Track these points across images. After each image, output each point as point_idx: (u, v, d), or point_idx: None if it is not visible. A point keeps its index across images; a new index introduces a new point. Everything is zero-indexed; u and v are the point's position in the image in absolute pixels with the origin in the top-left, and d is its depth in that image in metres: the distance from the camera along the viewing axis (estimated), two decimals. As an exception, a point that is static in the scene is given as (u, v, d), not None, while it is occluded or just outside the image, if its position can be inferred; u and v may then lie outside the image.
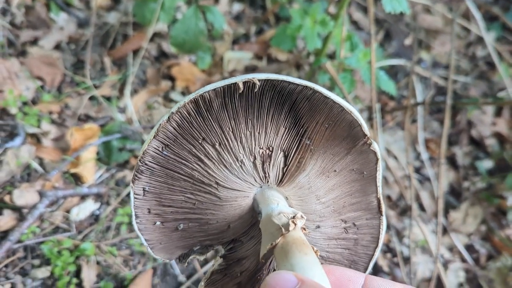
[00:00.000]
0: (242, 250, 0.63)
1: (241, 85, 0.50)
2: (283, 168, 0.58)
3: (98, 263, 1.26)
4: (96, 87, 1.58)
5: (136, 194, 0.56)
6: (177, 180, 0.56)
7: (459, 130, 2.00)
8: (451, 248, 1.64)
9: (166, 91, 1.66)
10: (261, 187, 0.59)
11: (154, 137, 0.52)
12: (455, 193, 1.82)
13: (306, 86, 0.52)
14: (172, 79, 1.69)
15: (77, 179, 1.39)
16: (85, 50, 1.66)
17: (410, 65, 1.99)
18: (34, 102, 1.49)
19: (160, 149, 0.54)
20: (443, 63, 2.19)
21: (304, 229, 0.54)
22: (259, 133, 0.55)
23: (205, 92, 0.50)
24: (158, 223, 0.57)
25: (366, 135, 0.57)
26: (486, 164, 1.91)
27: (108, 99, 1.57)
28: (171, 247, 0.60)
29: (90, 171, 1.40)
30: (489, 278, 1.55)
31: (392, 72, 2.05)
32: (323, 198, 0.61)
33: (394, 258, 1.52)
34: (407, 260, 1.52)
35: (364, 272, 0.68)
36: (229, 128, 0.54)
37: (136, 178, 0.55)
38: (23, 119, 1.41)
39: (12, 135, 1.40)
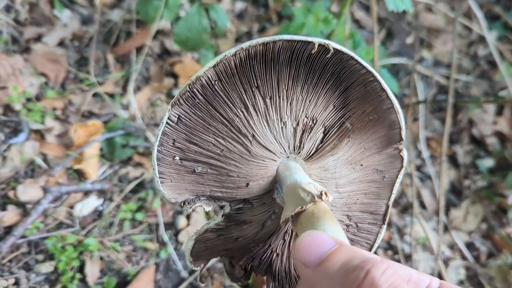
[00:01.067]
0: (248, 214, 0.61)
1: (316, 46, 0.49)
2: (318, 145, 0.57)
3: (101, 258, 1.27)
4: (99, 84, 1.59)
5: (170, 120, 0.52)
6: (215, 121, 0.53)
7: (460, 129, 2.00)
8: (452, 246, 1.65)
9: (169, 88, 1.66)
10: (288, 157, 0.58)
11: (213, 66, 0.49)
12: (456, 191, 1.82)
13: (370, 72, 0.52)
14: (175, 76, 1.69)
15: (80, 175, 1.40)
16: (88, 47, 1.66)
17: (411, 63, 1.99)
18: (38, 98, 1.50)
19: (213, 82, 0.51)
20: (444, 62, 2.20)
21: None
22: (309, 101, 0.54)
23: (279, 40, 0.48)
24: (177, 158, 0.54)
25: (401, 140, 0.57)
26: (487, 162, 1.92)
27: (111, 96, 1.58)
28: (181, 188, 0.57)
29: (94, 167, 1.41)
30: (490, 275, 1.56)
31: (394, 70, 2.06)
32: (341, 188, 0.61)
33: (395, 255, 1.53)
34: (408, 257, 1.53)
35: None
36: (285, 86, 0.52)
37: (177, 103, 0.51)
38: (27, 115, 1.42)
39: (16, 131, 1.40)
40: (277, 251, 0.63)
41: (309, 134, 0.56)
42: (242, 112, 0.53)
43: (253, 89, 0.52)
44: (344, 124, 0.56)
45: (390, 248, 1.56)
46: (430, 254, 1.57)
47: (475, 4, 1.76)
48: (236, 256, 0.62)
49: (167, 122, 0.52)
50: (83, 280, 1.22)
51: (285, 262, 0.63)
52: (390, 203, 0.62)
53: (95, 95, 1.57)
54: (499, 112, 2.07)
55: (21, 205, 1.27)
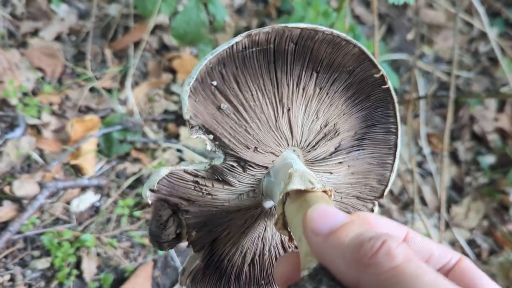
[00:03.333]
0: (235, 176, 0.57)
1: (378, 75, 0.55)
2: (326, 156, 0.59)
3: (98, 254, 1.25)
4: (97, 78, 1.57)
5: (237, 45, 0.48)
6: (267, 74, 0.52)
7: (461, 125, 1.99)
8: (453, 243, 1.64)
9: (167, 83, 1.65)
10: (294, 150, 0.57)
11: (302, 29, 0.49)
12: (457, 188, 1.81)
13: (396, 123, 0.60)
14: (173, 72, 1.68)
15: (77, 171, 1.38)
16: (85, 41, 1.65)
17: (412, 59, 1.98)
18: (34, 93, 1.48)
19: (291, 40, 0.50)
20: (445, 58, 2.18)
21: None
22: (344, 115, 0.56)
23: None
24: (214, 83, 0.49)
25: (381, 197, 0.63)
26: (488, 159, 1.90)
27: (109, 91, 1.56)
28: (199, 112, 0.52)
29: (91, 163, 1.40)
30: (491, 272, 1.55)
31: (394, 66, 2.04)
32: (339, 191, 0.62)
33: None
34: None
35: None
36: (337, 88, 0.54)
37: (258, 35, 0.48)
38: (24, 110, 1.40)
39: (12, 126, 1.39)
40: (229, 230, 0.59)
41: (327, 141, 0.57)
42: (293, 85, 0.52)
43: (313, 72, 0.52)
44: (352, 153, 0.59)
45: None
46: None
47: (477, -1, 1.74)
48: (189, 212, 0.56)
49: (233, 45, 0.47)
50: (79, 276, 1.20)
51: (228, 246, 0.60)
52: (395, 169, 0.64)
53: (92, 90, 1.55)
54: (501, 108, 2.06)
55: (17, 200, 1.26)
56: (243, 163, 0.54)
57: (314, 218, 0.38)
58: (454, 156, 1.89)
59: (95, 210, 1.34)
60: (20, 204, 1.26)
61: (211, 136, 0.52)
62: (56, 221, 1.28)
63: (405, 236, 0.44)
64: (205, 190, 0.54)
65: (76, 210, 1.31)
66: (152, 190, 0.51)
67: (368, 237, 0.33)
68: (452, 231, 1.65)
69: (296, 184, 0.47)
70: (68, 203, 1.31)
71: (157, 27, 1.74)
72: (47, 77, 1.53)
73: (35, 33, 1.60)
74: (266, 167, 0.56)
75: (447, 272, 0.43)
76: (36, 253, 1.21)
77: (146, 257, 1.29)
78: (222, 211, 0.57)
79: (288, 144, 0.56)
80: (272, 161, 0.56)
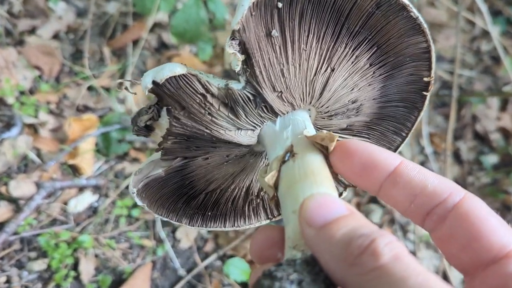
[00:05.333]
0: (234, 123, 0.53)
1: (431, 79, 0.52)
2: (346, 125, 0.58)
3: (96, 256, 1.23)
4: (95, 77, 1.55)
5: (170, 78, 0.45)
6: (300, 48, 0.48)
7: (463, 125, 1.97)
8: (456, 244, 1.62)
9: (167, 82, 1.63)
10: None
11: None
12: (460, 188, 1.79)
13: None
14: (172, 70, 1.66)
15: (75, 171, 1.36)
16: (83, 40, 1.63)
17: (414, 58, 1.96)
18: (31, 92, 1.46)
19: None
20: (447, 57, 2.16)
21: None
22: (370, 84, 0.53)
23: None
24: (280, 4, 0.45)
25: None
26: (491, 159, 1.88)
27: (107, 89, 1.54)
28: (247, 31, 0.47)
29: (89, 163, 1.37)
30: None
31: (396, 65, 2.02)
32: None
33: (398, 253, 1.50)
34: (412, 255, 1.49)
35: None
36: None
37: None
38: (20, 109, 1.38)
39: (9, 125, 1.37)
40: (209, 156, 0.56)
41: (345, 117, 0.55)
42: (350, 48, 0.49)
43: (375, 46, 0.49)
44: (356, 137, 0.57)
45: (392, 246, 1.52)
46: (433, 252, 1.53)
47: (479, -3, 1.72)
48: (180, 121, 0.51)
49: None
50: (77, 278, 1.18)
51: (199, 170, 0.58)
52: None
53: (90, 88, 1.53)
54: (503, 107, 2.04)
55: (13, 201, 1.24)
56: (260, 101, 0.50)
57: (311, 208, 0.36)
58: (456, 156, 1.88)
59: (93, 210, 1.32)
60: (16, 204, 1.24)
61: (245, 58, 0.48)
62: (53, 222, 1.26)
63: (398, 165, 0.41)
64: (208, 108, 0.50)
65: (73, 210, 1.28)
66: (155, 83, 0.47)
67: (358, 235, 0.32)
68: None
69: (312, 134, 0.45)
70: (66, 203, 1.29)
71: (156, 25, 1.72)
72: (45, 75, 1.51)
73: (32, 31, 1.58)
74: (277, 115, 0.52)
75: (444, 214, 0.38)
76: (33, 254, 1.19)
77: (145, 258, 1.27)
78: (213, 137, 0.53)
79: (310, 103, 0.52)
80: (287, 112, 0.52)
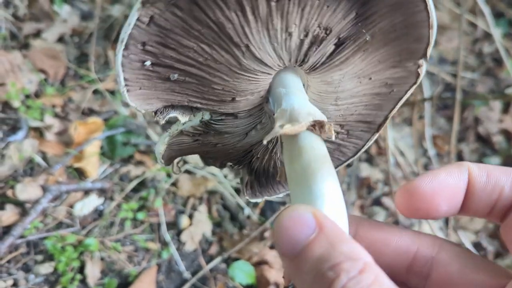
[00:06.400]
0: (231, 125, 0.53)
1: None
2: (326, 58, 0.48)
3: (102, 259, 1.24)
4: (100, 80, 1.56)
5: (140, 21, 0.42)
6: (200, 23, 0.43)
7: (466, 127, 1.98)
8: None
9: (171, 85, 1.64)
10: (286, 67, 0.49)
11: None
12: (463, 190, 1.80)
13: None
14: (176, 73, 1.67)
15: (80, 174, 1.37)
16: (88, 43, 1.63)
17: (417, 60, 1.96)
18: (37, 95, 1.47)
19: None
20: (449, 59, 2.17)
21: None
22: (328, 7, 0.42)
23: None
24: (148, 63, 0.44)
25: (424, 56, 0.49)
26: (493, 161, 1.89)
27: (112, 93, 1.55)
28: (152, 97, 0.48)
29: (94, 166, 1.38)
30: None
31: (399, 67, 2.03)
32: (341, 101, 0.53)
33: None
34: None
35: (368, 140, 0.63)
36: None
37: (150, 1, 0.42)
38: (26, 113, 1.39)
39: (14, 129, 1.37)
40: (258, 155, 0.57)
41: (319, 47, 0.46)
42: (237, 15, 0.43)
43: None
44: (364, 36, 0.46)
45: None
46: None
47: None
48: (212, 157, 0.55)
49: (136, 24, 0.41)
50: (83, 281, 1.19)
51: (265, 163, 0.59)
52: (391, 115, 0.56)
53: (95, 92, 1.54)
54: (505, 110, 2.04)
55: (20, 204, 1.24)
56: (231, 114, 0.51)
57: (280, 236, 0.35)
58: (459, 158, 1.88)
59: (98, 213, 1.33)
60: (23, 208, 1.24)
61: (179, 107, 0.48)
62: (60, 225, 1.27)
63: (468, 181, 0.40)
64: (211, 143, 0.52)
65: (79, 213, 1.29)
66: (163, 163, 0.51)
67: (325, 268, 0.32)
68: (458, 233, 1.64)
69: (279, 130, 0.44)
70: (72, 206, 1.30)
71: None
72: (50, 79, 1.52)
73: (37, 34, 1.59)
74: (260, 104, 0.52)
75: None
76: (39, 257, 1.20)
77: (150, 261, 1.28)
78: (240, 149, 0.56)
79: (271, 73, 0.49)
80: (261, 97, 0.51)
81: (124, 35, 0.41)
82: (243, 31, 0.43)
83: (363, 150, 0.59)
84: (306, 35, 0.45)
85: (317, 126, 0.45)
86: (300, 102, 0.47)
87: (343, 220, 0.40)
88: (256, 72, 0.47)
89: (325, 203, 0.40)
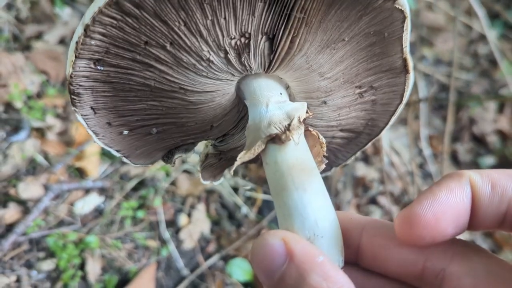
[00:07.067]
0: (234, 141, 0.55)
1: None
2: (269, 55, 0.44)
3: (102, 256, 1.27)
4: (100, 82, 1.58)
5: (85, 116, 0.45)
6: (131, 91, 0.45)
7: (461, 127, 2.00)
8: (453, 244, 1.65)
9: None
10: (244, 75, 0.47)
11: (75, 59, 0.40)
12: (457, 190, 1.82)
13: None
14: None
15: (81, 173, 1.40)
16: (89, 45, 1.66)
17: (412, 61, 1.99)
18: (39, 96, 1.50)
19: (92, 66, 0.42)
20: (445, 60, 2.20)
21: (307, 112, 0.46)
22: (225, 18, 0.40)
23: None
24: (125, 132, 0.47)
25: None
26: (488, 160, 1.92)
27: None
28: (150, 151, 0.51)
29: (95, 165, 1.41)
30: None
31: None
32: (328, 73, 0.48)
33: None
34: None
35: (383, 128, 0.57)
36: (179, 22, 0.39)
37: (76, 100, 0.43)
38: (28, 113, 1.42)
39: (17, 129, 1.40)
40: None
41: (249, 52, 0.43)
42: (151, 71, 0.43)
43: (143, 46, 0.41)
44: (292, 15, 0.41)
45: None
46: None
47: (476, 1, 1.76)
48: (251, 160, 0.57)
49: (84, 119, 0.45)
50: (84, 277, 1.22)
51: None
52: (406, 55, 0.49)
53: (96, 93, 1.56)
54: (500, 110, 2.07)
55: (22, 202, 1.27)
56: (225, 134, 0.53)
57: (257, 267, 0.35)
58: (454, 158, 1.91)
59: (99, 212, 1.35)
60: (25, 206, 1.27)
61: (179, 149, 0.52)
62: (61, 223, 1.30)
63: (472, 198, 0.36)
64: (234, 157, 0.50)
65: (80, 212, 1.32)
66: (211, 180, 0.54)
67: None
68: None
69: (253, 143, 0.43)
70: (73, 205, 1.33)
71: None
72: (51, 80, 1.55)
73: (39, 36, 1.62)
74: (243, 117, 0.52)
75: None
76: (42, 254, 1.23)
77: (150, 258, 1.31)
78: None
79: (229, 92, 0.48)
80: (239, 110, 0.51)
81: (87, 129, 0.46)
82: (166, 79, 0.44)
83: (407, 94, 0.53)
84: (226, 52, 0.43)
85: (276, 138, 0.42)
86: (256, 116, 0.45)
87: (321, 231, 0.38)
88: (211, 100, 0.48)
89: (295, 221, 0.38)
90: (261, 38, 0.42)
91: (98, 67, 0.42)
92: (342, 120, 0.55)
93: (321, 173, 0.55)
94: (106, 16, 0.38)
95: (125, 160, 0.51)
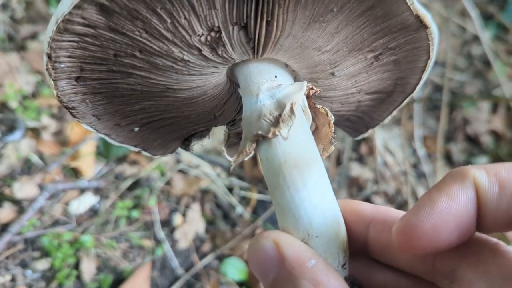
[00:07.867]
0: None
1: None
2: (248, 43, 0.41)
3: (97, 255, 1.27)
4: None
5: (90, 123, 0.46)
6: (123, 96, 0.45)
7: (455, 127, 2.02)
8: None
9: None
10: (232, 64, 0.45)
11: (54, 82, 0.40)
12: (451, 189, 1.84)
13: None
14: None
15: (76, 173, 1.40)
16: (84, 45, 1.66)
17: (406, 62, 2.00)
18: (34, 96, 1.50)
19: (75, 83, 0.42)
20: (439, 61, 2.21)
21: (312, 88, 0.44)
22: (185, 18, 0.37)
23: (68, 14, 0.35)
24: (136, 129, 0.48)
25: None
26: (482, 160, 1.93)
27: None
28: (166, 141, 0.52)
29: (90, 165, 1.41)
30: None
31: (389, 69, 2.06)
32: (326, 46, 0.45)
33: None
34: None
35: (417, 84, 0.53)
36: (138, 32, 0.38)
37: (74, 113, 0.44)
38: (23, 113, 1.42)
39: (12, 129, 1.41)
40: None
41: (224, 45, 0.41)
42: (133, 78, 0.43)
43: (114, 59, 0.41)
44: (260, 0, 0.37)
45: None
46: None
47: (470, 2, 1.77)
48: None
49: (91, 126, 0.46)
50: (79, 277, 1.22)
51: None
52: (417, 12, 0.42)
53: (91, 93, 1.57)
54: (493, 110, 2.09)
55: (17, 202, 1.28)
56: (233, 120, 0.54)
57: (253, 270, 0.36)
58: (448, 158, 1.92)
59: (94, 211, 1.36)
60: (20, 205, 1.27)
61: (193, 137, 0.52)
62: (56, 222, 1.30)
63: (475, 195, 0.33)
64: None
65: (75, 211, 1.32)
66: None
67: None
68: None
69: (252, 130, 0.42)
70: (68, 204, 1.33)
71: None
72: (46, 80, 1.55)
73: (34, 36, 1.62)
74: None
75: None
76: (36, 254, 1.23)
77: (145, 258, 1.31)
78: None
79: (220, 82, 0.48)
80: (239, 97, 0.51)
81: (98, 135, 0.47)
82: (151, 83, 0.44)
83: (434, 48, 0.48)
84: (199, 50, 0.41)
85: (263, 136, 0.41)
86: (247, 107, 0.44)
87: (316, 231, 0.37)
88: (203, 93, 0.47)
89: (289, 221, 0.38)
90: (233, 29, 0.40)
91: (81, 83, 0.42)
92: (362, 85, 0.52)
93: (358, 135, 0.53)
94: (62, 41, 0.37)
95: (144, 153, 0.51)
